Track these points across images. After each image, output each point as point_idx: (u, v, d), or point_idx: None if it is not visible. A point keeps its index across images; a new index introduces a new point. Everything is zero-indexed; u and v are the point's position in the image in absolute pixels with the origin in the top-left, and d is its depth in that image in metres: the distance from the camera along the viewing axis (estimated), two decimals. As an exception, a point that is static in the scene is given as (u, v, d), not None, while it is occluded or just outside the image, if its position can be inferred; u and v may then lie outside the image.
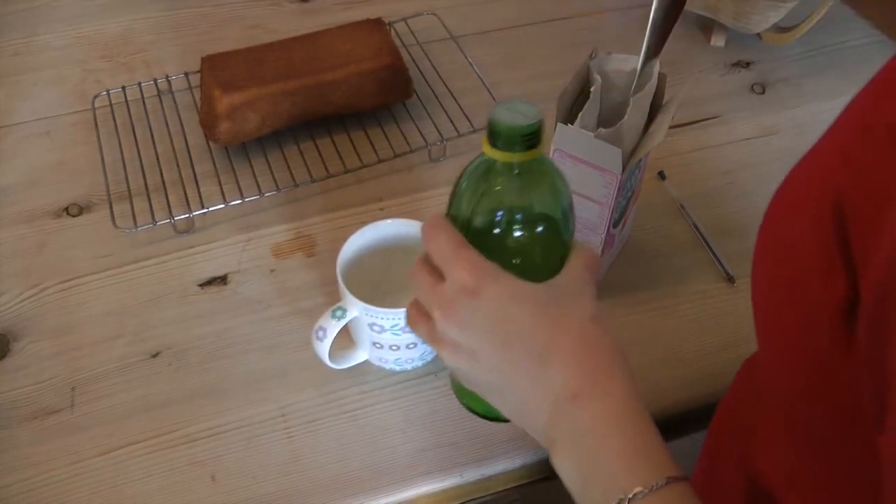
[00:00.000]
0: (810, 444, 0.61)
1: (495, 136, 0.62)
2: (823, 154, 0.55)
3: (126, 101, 1.15)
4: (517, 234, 0.65)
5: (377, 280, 0.89)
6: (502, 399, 0.64)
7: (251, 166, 1.08)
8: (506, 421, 0.69)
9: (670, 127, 0.83)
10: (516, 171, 0.64)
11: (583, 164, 0.85)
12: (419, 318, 0.66)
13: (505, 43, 1.28)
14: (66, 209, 1.04)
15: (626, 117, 0.83)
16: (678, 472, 0.58)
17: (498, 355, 0.62)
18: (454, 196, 0.66)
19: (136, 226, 1.00)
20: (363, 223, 0.89)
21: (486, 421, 0.77)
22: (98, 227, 1.02)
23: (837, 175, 0.50)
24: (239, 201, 1.03)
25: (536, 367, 0.61)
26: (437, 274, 0.64)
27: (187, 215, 1.01)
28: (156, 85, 1.17)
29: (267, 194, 1.04)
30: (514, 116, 0.62)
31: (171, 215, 1.01)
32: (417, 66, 1.20)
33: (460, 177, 0.66)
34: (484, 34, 1.29)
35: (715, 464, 0.77)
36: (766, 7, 1.17)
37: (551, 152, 0.86)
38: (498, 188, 0.64)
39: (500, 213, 0.65)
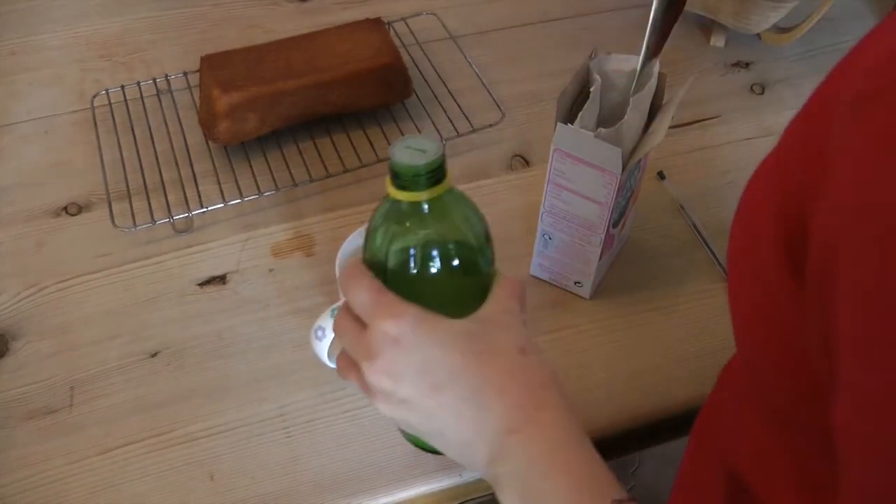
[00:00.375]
0: (783, 426, 0.61)
1: (397, 177, 0.61)
2: (783, 142, 0.55)
3: (125, 100, 1.15)
4: (435, 271, 0.63)
5: (376, 280, 0.89)
6: (443, 442, 0.63)
7: (250, 166, 1.08)
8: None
9: (670, 127, 0.83)
10: (425, 209, 0.62)
11: (582, 164, 0.84)
12: (349, 368, 0.64)
13: (504, 43, 1.27)
14: (65, 208, 1.04)
15: (626, 117, 0.83)
16: (621, 493, 0.58)
17: (430, 401, 0.61)
18: (367, 241, 0.65)
19: (134, 225, 1.00)
20: (362, 223, 0.89)
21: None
22: (97, 227, 1.02)
23: (792, 157, 0.51)
24: (238, 201, 1.03)
25: (470, 409, 0.61)
26: (361, 322, 0.63)
27: (186, 215, 1.01)
28: (155, 84, 1.16)
29: (266, 194, 1.04)
30: (414, 155, 0.60)
31: (170, 215, 1.01)
32: (417, 66, 1.20)
33: (371, 220, 0.64)
34: (483, 34, 1.29)
35: (698, 462, 0.77)
36: (765, 7, 1.17)
37: (551, 152, 0.86)
38: (409, 228, 0.63)
39: (414, 252, 0.63)
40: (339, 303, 0.83)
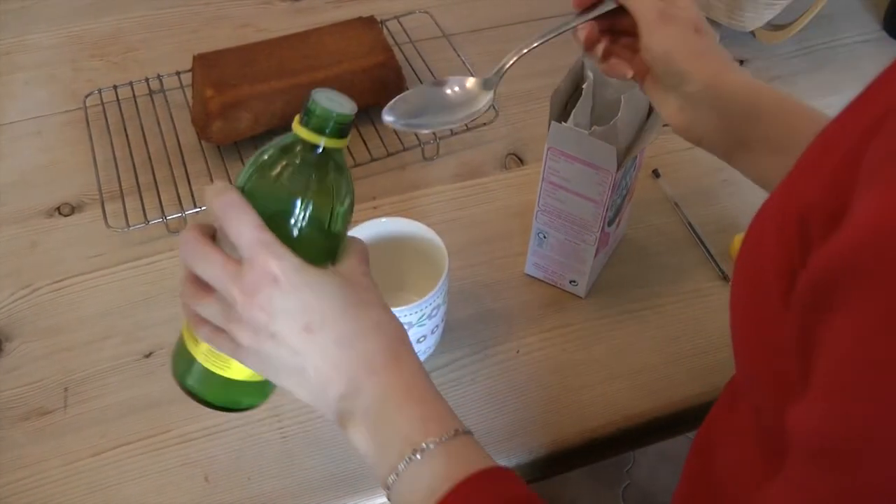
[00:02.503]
0: (777, 451, 0.61)
1: (309, 115, 0.63)
2: (796, 169, 0.55)
3: (118, 100, 1.14)
4: (305, 217, 0.65)
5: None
6: (299, 378, 0.65)
7: (244, 165, 1.07)
8: (236, 410, 0.70)
9: (664, 125, 0.83)
10: (317, 157, 0.64)
11: (577, 163, 0.84)
12: (206, 296, 0.65)
13: (497, 41, 1.27)
14: (58, 209, 1.04)
15: (619, 114, 0.83)
16: (464, 428, 0.64)
17: (300, 340, 0.64)
18: (252, 170, 0.66)
19: (128, 225, 1.00)
20: (356, 222, 0.89)
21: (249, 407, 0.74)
22: (90, 227, 1.02)
23: (804, 186, 0.51)
24: (232, 200, 1.03)
25: (338, 351, 0.64)
26: (224, 253, 0.64)
27: (180, 214, 1.01)
28: (147, 84, 1.16)
29: (260, 193, 1.04)
30: (332, 103, 0.63)
31: (163, 214, 1.01)
32: (410, 64, 1.20)
33: (261, 152, 0.66)
34: (476, 32, 1.28)
35: (695, 483, 0.76)
36: (759, 5, 1.17)
37: (545, 150, 0.86)
38: (299, 169, 0.65)
39: (296, 195, 0.65)
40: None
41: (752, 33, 1.26)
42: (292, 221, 0.65)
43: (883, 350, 0.41)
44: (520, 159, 1.11)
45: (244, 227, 0.63)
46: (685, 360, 0.92)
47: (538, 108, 1.17)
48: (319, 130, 0.63)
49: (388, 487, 0.64)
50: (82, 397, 0.88)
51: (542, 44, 0.77)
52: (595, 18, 0.77)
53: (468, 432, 0.64)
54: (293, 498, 0.82)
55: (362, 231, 0.88)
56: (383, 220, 0.90)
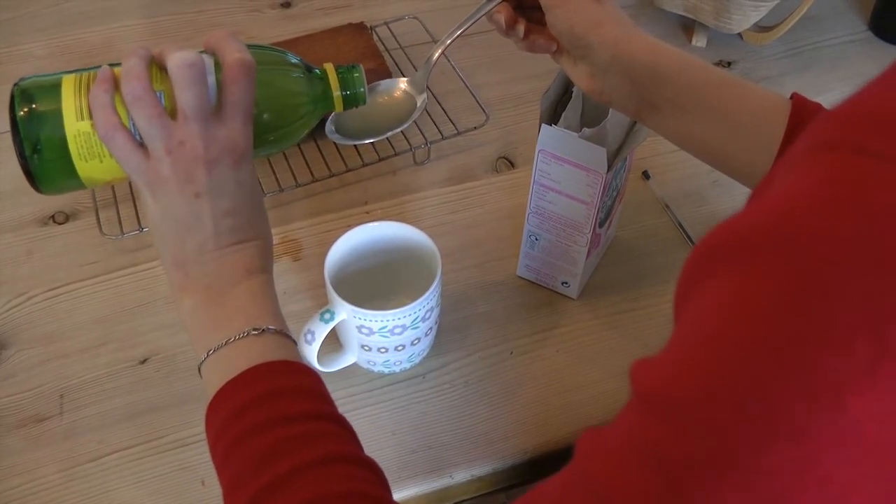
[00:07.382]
0: None
1: (348, 83, 0.75)
2: None
3: (110, 108, 1.15)
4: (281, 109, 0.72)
5: (364, 283, 0.90)
6: (185, 234, 0.66)
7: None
8: (36, 185, 0.73)
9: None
10: (321, 77, 0.74)
11: (568, 165, 0.85)
12: (161, 113, 0.64)
13: (487, 46, 1.28)
14: (53, 217, 1.04)
15: (609, 116, 0.83)
16: (290, 333, 0.68)
17: (223, 209, 0.66)
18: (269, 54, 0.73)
19: (122, 232, 1.01)
20: (349, 226, 0.89)
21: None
22: (85, 235, 1.02)
23: None
24: (225, 207, 1.03)
25: (248, 231, 0.68)
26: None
27: (173, 221, 1.01)
28: (140, 92, 1.16)
29: (253, 199, 1.04)
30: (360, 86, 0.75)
31: (157, 222, 1.01)
32: (400, 69, 1.20)
33: (284, 53, 0.74)
34: (466, 37, 1.27)
35: None
36: (746, 6, 1.18)
37: (536, 153, 0.86)
38: (304, 79, 0.73)
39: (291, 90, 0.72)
40: (328, 306, 0.84)
41: (740, 35, 1.27)
42: (268, 105, 0.70)
43: (755, 315, 0.41)
44: (511, 162, 1.12)
45: (250, 93, 0.66)
46: (677, 359, 0.93)
47: (528, 112, 1.18)
48: (344, 86, 0.74)
49: (206, 354, 0.66)
50: (78, 404, 0.88)
51: (461, 33, 0.85)
52: (504, 0, 0.80)
53: (293, 341, 0.68)
54: (290, 501, 0.82)
55: (356, 235, 0.89)
56: (376, 224, 0.90)
